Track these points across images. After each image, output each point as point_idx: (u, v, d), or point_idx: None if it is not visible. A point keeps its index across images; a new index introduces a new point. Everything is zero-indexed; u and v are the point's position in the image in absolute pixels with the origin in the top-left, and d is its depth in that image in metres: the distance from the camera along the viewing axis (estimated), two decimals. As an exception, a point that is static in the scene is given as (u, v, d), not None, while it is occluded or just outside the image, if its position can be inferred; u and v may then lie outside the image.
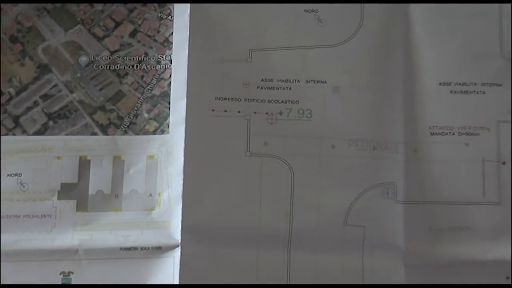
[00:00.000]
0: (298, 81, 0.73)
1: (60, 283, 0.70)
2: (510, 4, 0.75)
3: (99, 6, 0.76)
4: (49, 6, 0.75)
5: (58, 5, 0.75)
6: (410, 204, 0.72)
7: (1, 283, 0.70)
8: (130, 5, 0.76)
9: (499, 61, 0.74)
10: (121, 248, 0.70)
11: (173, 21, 0.75)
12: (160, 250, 0.70)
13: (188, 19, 0.73)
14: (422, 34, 0.75)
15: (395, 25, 0.75)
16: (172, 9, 0.75)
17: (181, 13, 0.74)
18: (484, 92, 0.74)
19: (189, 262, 0.69)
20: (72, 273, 0.70)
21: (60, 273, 0.70)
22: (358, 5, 0.75)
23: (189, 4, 0.74)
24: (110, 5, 0.76)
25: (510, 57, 0.74)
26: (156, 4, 0.76)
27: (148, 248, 0.70)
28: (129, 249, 0.70)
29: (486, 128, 0.73)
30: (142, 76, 0.75)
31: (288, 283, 0.70)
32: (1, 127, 0.73)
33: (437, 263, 0.70)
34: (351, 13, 0.75)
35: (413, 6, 0.75)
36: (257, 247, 0.70)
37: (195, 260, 0.69)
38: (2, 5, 0.74)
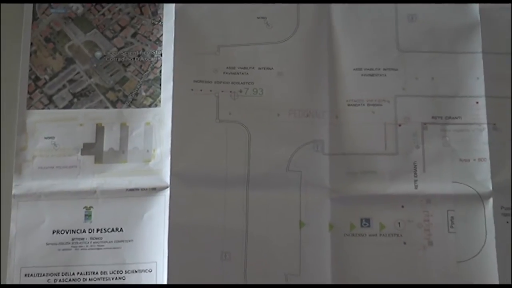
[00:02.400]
0: (253, 68, 0.73)
1: (83, 214, 0.69)
2: (404, 5, 0.74)
3: (109, 15, 0.74)
4: (73, 15, 0.74)
5: (79, 14, 0.74)
6: (333, 155, 0.71)
7: (44, 220, 0.69)
8: (131, 14, 0.74)
9: (395, 52, 0.73)
10: (127, 189, 0.70)
11: (162, 26, 0.74)
12: (155, 190, 0.69)
13: (173, 24, 0.73)
14: (341, 33, 0.74)
15: (321, 26, 0.74)
16: (162, 17, 0.74)
17: (168, 20, 0.73)
18: (385, 75, 0.73)
19: (176, 199, 0.68)
20: (92, 207, 0.70)
21: (83, 208, 0.69)
22: (295, 12, 0.74)
23: (174, 13, 0.73)
24: (117, 14, 0.74)
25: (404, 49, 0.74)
26: (150, 13, 0.74)
27: (146, 189, 0.70)
28: (133, 190, 0.70)
29: (387, 100, 0.72)
30: (141, 66, 0.73)
31: (246, 214, 0.69)
32: (39, 103, 0.72)
33: (353, 196, 0.70)
34: (290, 19, 0.73)
35: (334, 7, 0.74)
36: (225, 188, 0.70)
37: (180, 197, 0.69)
38: (39, 14, 0.73)
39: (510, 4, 0.74)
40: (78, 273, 0.68)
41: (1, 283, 0.68)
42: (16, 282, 0.68)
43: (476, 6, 0.73)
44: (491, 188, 0.70)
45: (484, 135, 0.71)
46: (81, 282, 0.68)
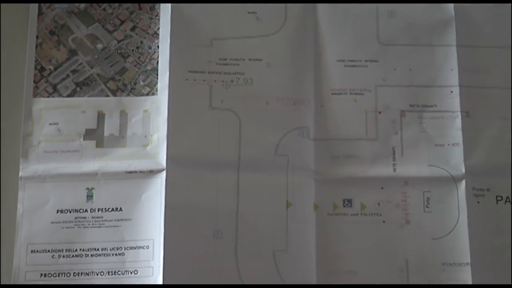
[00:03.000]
0: (243, 59, 0.73)
1: (85, 195, 0.69)
2: (385, 4, 0.75)
3: (109, 10, 0.74)
4: (76, 10, 0.74)
5: (82, 9, 0.74)
6: (318, 141, 0.71)
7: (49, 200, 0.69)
8: (130, 9, 0.74)
9: (376, 45, 0.74)
10: (126, 172, 0.70)
11: (159, 20, 0.74)
12: (152, 172, 0.69)
13: (169, 19, 0.72)
14: (326, 27, 0.74)
15: (307, 21, 0.74)
16: (159, 12, 0.74)
17: (165, 15, 0.73)
18: (366, 66, 0.73)
19: (171, 181, 0.68)
20: (94, 188, 0.70)
21: (86, 189, 0.70)
22: (283, 8, 0.74)
23: (170, 8, 0.72)
24: (117, 9, 0.74)
25: (384, 42, 0.74)
26: (148, 8, 0.74)
27: (144, 171, 0.70)
28: (131, 172, 0.70)
29: (368, 90, 0.72)
30: (139, 57, 0.73)
31: (237, 195, 0.69)
32: (44, 92, 0.72)
33: (336, 178, 0.70)
34: (278, 14, 0.73)
35: (319, 5, 0.74)
36: (217, 170, 0.69)
37: (175, 179, 0.69)
38: (44, 9, 0.73)
39: (484, 4, 0.74)
40: (80, 249, 0.69)
41: (4, 282, 0.68)
42: (23, 258, 0.68)
43: (451, 5, 0.74)
44: (463, 171, 0.70)
45: (458, 122, 0.72)
46: (83, 258, 0.68)
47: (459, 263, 0.69)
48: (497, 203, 0.70)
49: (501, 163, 0.71)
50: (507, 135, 0.72)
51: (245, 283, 0.68)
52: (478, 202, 0.70)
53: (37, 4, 0.74)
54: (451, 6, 0.74)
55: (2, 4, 0.74)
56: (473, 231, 0.69)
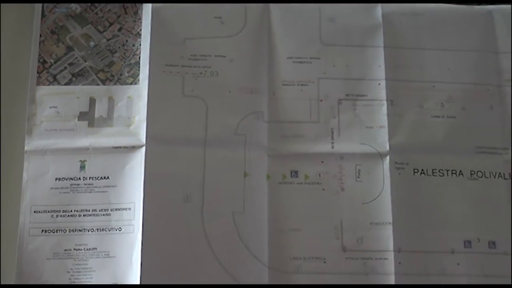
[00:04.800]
0: (210, 55, 0.75)
1: (79, 166, 0.71)
2: (326, 8, 0.77)
3: (100, 14, 0.76)
4: (73, 13, 0.76)
5: (78, 13, 0.76)
6: (271, 123, 0.74)
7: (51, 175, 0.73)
8: (118, 13, 0.76)
9: (319, 45, 0.77)
10: (112, 147, 0.72)
11: (141, 23, 0.76)
12: (134, 148, 0.72)
13: (150, 22, 0.75)
14: (278, 30, 0.76)
15: (263, 25, 0.76)
16: (141, 16, 0.76)
17: (146, 18, 0.75)
18: (311, 62, 0.76)
19: (150, 155, 0.71)
20: (86, 160, 0.72)
21: (79, 161, 0.72)
22: (243, 13, 0.76)
23: (150, 13, 0.74)
24: (107, 13, 0.76)
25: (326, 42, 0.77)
26: (132, 13, 0.76)
27: (128, 147, 0.72)
28: (117, 147, 0.72)
29: (312, 82, 0.75)
30: (124, 53, 0.75)
31: (204, 166, 0.71)
32: (46, 81, 0.74)
33: (285, 154, 0.73)
34: (239, 18, 0.76)
35: (272, 8, 0.77)
36: (188, 146, 0.72)
37: (153, 153, 0.71)
38: (47, 12, 0.75)
39: (406, 14, 0.78)
40: (74, 210, 0.71)
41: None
42: (27, 217, 0.71)
43: (379, 11, 0.77)
44: (388, 148, 0.74)
45: (384, 109, 0.75)
46: (77, 218, 0.71)
47: (383, 223, 0.72)
48: (414, 174, 0.74)
49: (418, 142, 0.74)
50: (423, 119, 0.75)
51: (209, 239, 0.70)
52: (399, 174, 0.73)
53: (40, 8, 0.75)
54: (379, 14, 0.77)
55: (10, 5, 0.75)
56: (395, 197, 0.72)
